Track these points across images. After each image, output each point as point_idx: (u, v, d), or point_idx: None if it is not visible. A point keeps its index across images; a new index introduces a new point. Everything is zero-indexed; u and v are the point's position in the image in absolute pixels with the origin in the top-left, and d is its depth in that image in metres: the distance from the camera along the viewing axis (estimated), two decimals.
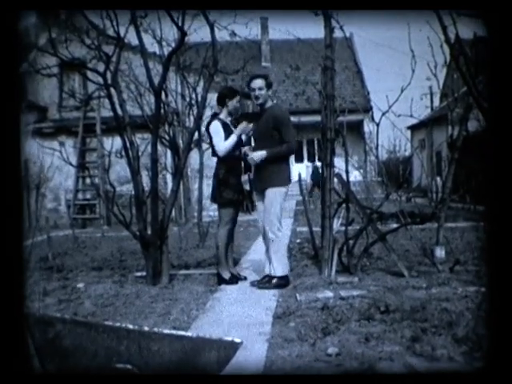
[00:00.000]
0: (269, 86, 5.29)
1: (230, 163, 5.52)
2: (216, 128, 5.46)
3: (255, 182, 5.43)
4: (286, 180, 5.23)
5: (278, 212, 5.17)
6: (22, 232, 2.01)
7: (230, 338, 2.34)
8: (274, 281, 5.21)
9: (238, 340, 2.31)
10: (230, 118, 5.63)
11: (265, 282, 5.27)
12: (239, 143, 5.50)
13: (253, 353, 3.28)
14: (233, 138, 5.39)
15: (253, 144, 5.57)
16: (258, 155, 5.11)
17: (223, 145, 5.41)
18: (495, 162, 2.22)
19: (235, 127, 5.55)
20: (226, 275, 5.54)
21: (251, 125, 5.44)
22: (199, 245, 8.43)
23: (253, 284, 5.42)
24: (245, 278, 5.69)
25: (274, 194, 5.15)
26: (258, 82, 5.24)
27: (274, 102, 5.49)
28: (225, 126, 5.49)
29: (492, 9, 2.16)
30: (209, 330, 3.85)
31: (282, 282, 5.21)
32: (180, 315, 4.30)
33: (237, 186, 5.54)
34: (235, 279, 5.56)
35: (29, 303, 4.32)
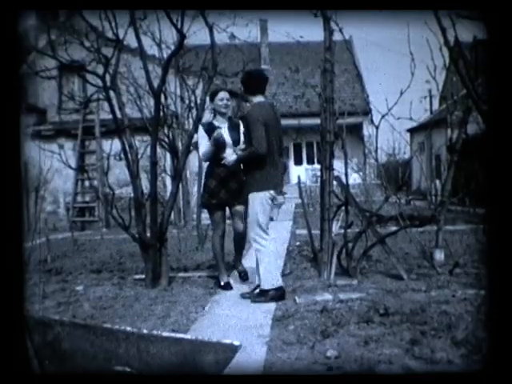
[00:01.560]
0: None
1: (217, 167, 5.36)
2: (199, 132, 5.46)
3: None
4: (264, 184, 4.80)
5: (259, 219, 4.77)
6: (22, 234, 2.01)
7: (229, 341, 2.34)
8: (270, 293, 4.74)
9: (237, 343, 2.30)
10: (222, 119, 5.47)
11: (259, 295, 4.82)
12: (218, 149, 5.29)
13: (252, 355, 3.28)
14: (202, 145, 5.34)
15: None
16: (230, 159, 5.03)
17: (200, 150, 5.40)
18: (494, 164, 2.22)
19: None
20: (223, 280, 5.46)
21: (220, 130, 5.25)
22: (198, 247, 8.41)
23: (243, 296, 4.98)
24: (246, 278, 5.67)
25: (252, 199, 4.81)
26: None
27: (262, 99, 4.98)
28: (210, 129, 5.36)
29: (492, 9, 2.16)
30: (208, 332, 3.85)
31: (278, 294, 4.76)
32: (179, 318, 4.30)
33: (221, 190, 5.36)
34: (229, 286, 5.42)
35: (28, 305, 4.31)
